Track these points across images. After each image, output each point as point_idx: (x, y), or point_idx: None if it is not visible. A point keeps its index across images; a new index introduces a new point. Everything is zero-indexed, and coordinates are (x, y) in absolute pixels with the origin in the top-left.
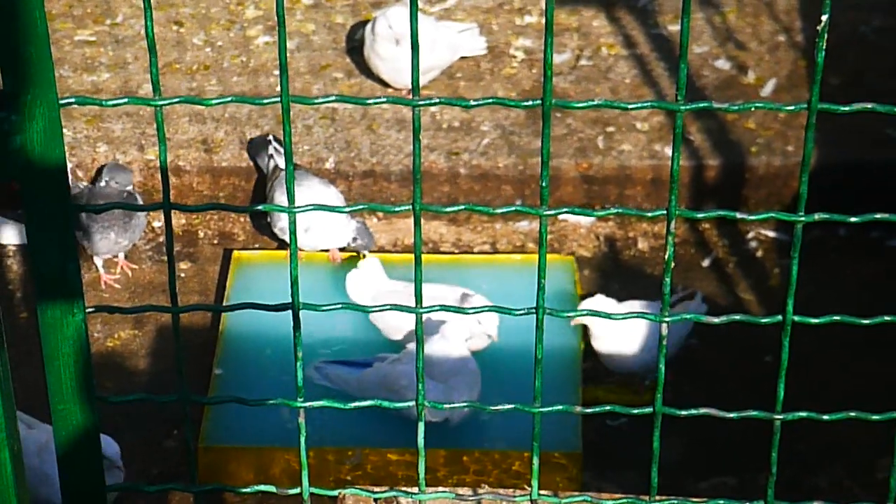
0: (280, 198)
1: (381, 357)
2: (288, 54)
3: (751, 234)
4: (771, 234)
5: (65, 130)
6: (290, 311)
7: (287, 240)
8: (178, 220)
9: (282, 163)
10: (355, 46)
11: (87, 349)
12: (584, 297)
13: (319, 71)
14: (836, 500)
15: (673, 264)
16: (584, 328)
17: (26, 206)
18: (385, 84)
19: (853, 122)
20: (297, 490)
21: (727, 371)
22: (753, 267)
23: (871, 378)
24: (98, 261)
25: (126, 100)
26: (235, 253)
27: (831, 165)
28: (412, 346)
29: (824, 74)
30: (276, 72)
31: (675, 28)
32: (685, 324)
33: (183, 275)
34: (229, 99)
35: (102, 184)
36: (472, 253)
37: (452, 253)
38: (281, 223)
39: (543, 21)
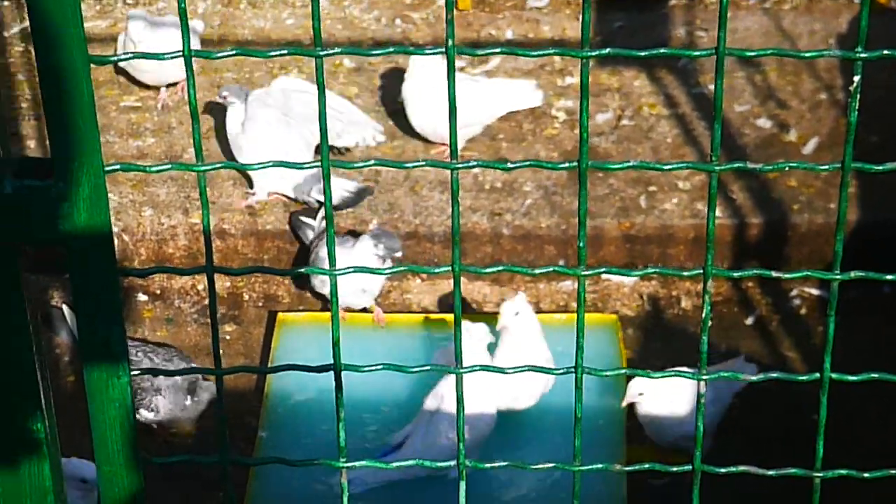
0: (325, 259)
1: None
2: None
3: (794, 292)
4: (815, 291)
5: (110, 195)
6: (332, 373)
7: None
8: (223, 283)
9: (323, 226)
10: (398, 110)
11: (132, 412)
12: (629, 361)
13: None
14: None
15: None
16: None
17: (72, 272)
18: (427, 141)
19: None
20: None
21: (771, 430)
22: (796, 325)
23: None
24: None
25: (169, 165)
26: (280, 315)
27: (874, 223)
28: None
29: (863, 133)
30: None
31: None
32: (729, 389)
33: (228, 337)
34: (269, 164)
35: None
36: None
37: (496, 313)
38: (318, 287)
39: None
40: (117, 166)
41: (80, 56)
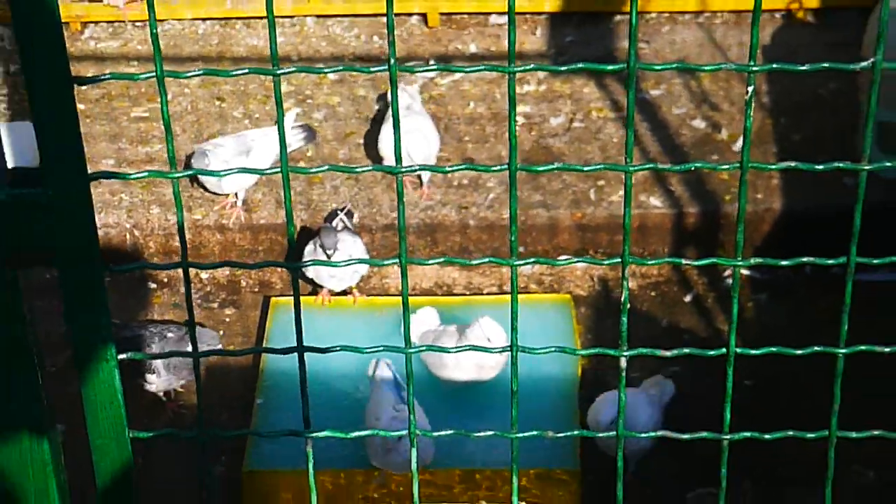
0: (313, 250)
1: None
2: (316, 124)
3: (727, 273)
4: (745, 272)
5: (123, 195)
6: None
7: (321, 285)
8: (224, 271)
9: (340, 225)
10: (376, 117)
11: (119, 391)
12: (582, 336)
13: (344, 138)
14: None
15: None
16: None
17: (61, 270)
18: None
19: (813, 175)
20: None
21: (711, 392)
22: (729, 302)
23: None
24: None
25: (146, 173)
26: (273, 299)
27: (801, 213)
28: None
29: (787, 131)
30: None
31: (656, 92)
32: (660, 403)
33: (227, 319)
34: (235, 170)
35: (172, 335)
36: (482, 294)
37: (464, 295)
38: (309, 272)
39: (540, 89)
40: (99, 174)
41: (63, 78)
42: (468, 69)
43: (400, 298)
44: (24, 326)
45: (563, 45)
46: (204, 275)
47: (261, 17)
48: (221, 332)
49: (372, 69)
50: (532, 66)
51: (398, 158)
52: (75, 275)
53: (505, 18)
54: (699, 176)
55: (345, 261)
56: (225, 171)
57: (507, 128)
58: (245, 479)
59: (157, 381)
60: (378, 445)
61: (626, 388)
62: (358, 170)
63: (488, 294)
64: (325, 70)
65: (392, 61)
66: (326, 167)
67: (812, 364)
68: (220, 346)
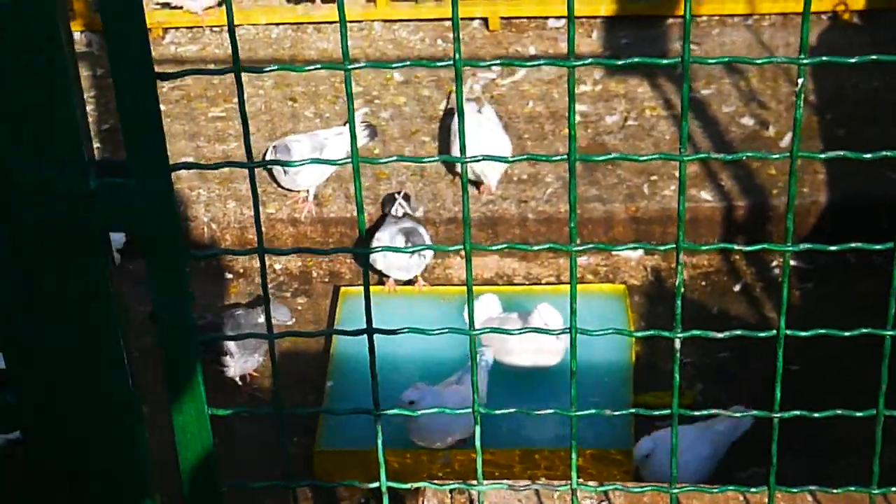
0: (384, 239)
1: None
2: (383, 123)
3: (774, 263)
4: (792, 262)
5: (201, 191)
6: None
7: (382, 271)
8: (296, 263)
9: (400, 212)
10: (439, 115)
11: (201, 372)
12: (636, 324)
13: (410, 136)
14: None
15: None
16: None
17: (148, 256)
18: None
19: (858, 170)
20: (377, 484)
21: (758, 378)
22: (777, 290)
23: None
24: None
25: (224, 164)
26: (343, 289)
27: (844, 204)
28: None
29: (832, 127)
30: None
31: (707, 91)
32: (728, 439)
33: (299, 308)
34: (308, 161)
35: (259, 319)
36: (540, 284)
37: (523, 284)
38: (377, 263)
39: (596, 89)
40: (180, 164)
41: (147, 74)
42: (529, 63)
43: (463, 287)
44: (113, 307)
45: (619, 47)
46: (277, 265)
47: (331, 22)
48: (294, 320)
49: (437, 64)
50: (590, 60)
51: (462, 149)
52: (160, 260)
53: (562, 22)
54: (748, 171)
55: (412, 247)
56: (299, 161)
57: (567, 123)
58: (316, 458)
59: (233, 362)
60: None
61: (689, 426)
62: (425, 160)
63: (546, 284)
64: (393, 65)
65: (457, 56)
66: (395, 158)
67: (858, 350)
68: (292, 321)
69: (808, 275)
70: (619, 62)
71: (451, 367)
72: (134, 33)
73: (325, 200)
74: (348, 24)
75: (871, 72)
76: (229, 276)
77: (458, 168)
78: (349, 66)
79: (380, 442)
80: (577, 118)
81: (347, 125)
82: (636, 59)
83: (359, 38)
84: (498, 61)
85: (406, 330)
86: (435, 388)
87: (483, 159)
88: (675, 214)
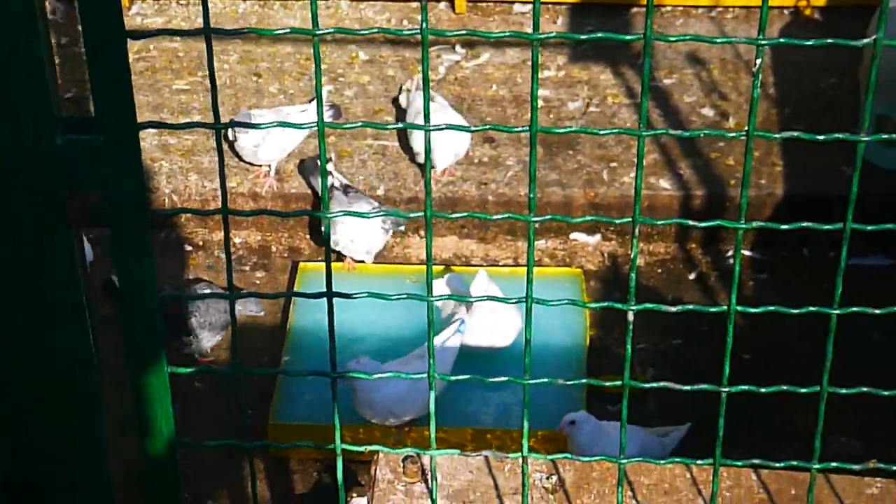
0: (348, 219)
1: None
2: (347, 101)
3: (730, 253)
4: (747, 252)
5: (163, 163)
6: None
7: (341, 251)
8: (255, 237)
9: (336, 183)
10: (397, 95)
11: (160, 326)
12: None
13: (373, 115)
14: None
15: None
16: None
17: (110, 213)
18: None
19: (814, 164)
20: (331, 446)
21: (709, 364)
22: (731, 280)
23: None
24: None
25: (193, 123)
26: (302, 264)
27: (800, 198)
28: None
29: (790, 121)
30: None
31: (668, 81)
32: (662, 450)
33: (258, 282)
34: (274, 124)
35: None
36: (497, 266)
37: (481, 265)
38: (334, 237)
39: (559, 74)
40: (148, 123)
41: (117, 32)
42: (494, 35)
43: (422, 265)
44: (76, 265)
45: (584, 33)
46: (237, 239)
47: None
48: (264, 312)
49: (403, 31)
50: (554, 34)
51: (427, 117)
52: (124, 218)
53: (528, 7)
54: (706, 161)
55: (376, 212)
56: (265, 124)
57: (530, 97)
58: (270, 432)
59: (195, 341)
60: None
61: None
62: (388, 127)
63: (504, 265)
64: (361, 31)
65: (424, 25)
66: (360, 123)
67: (807, 339)
68: (262, 313)
69: (762, 266)
70: (583, 37)
71: (412, 345)
72: None
73: (286, 176)
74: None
75: (830, 69)
76: (188, 248)
77: (415, 151)
78: (318, 32)
79: (335, 406)
80: (540, 102)
81: (312, 102)
82: (599, 35)
83: (325, 17)
84: (463, 31)
85: (365, 294)
86: (380, 365)
87: (447, 128)
88: (633, 200)
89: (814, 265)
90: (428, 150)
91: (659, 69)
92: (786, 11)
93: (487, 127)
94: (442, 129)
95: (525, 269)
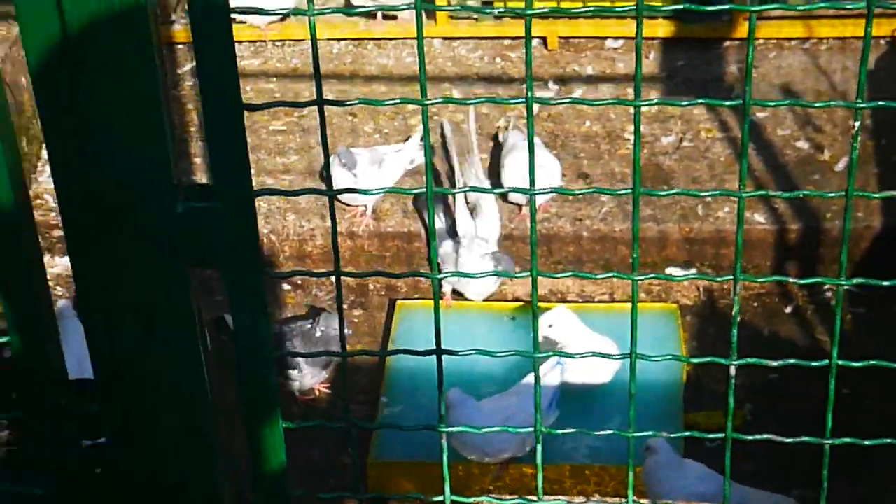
0: (468, 263)
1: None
2: (441, 139)
3: (826, 286)
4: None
5: (260, 202)
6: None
7: (454, 288)
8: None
9: (443, 225)
10: (495, 132)
11: (276, 387)
12: (687, 343)
13: (467, 152)
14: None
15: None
16: None
17: (227, 277)
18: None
19: None
20: (440, 498)
21: (807, 398)
22: (829, 314)
23: None
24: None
25: (308, 191)
26: (399, 302)
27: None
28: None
29: (888, 152)
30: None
31: (762, 114)
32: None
33: (356, 320)
34: (383, 190)
35: (318, 333)
36: (593, 302)
37: (577, 302)
38: (457, 282)
39: (653, 109)
40: (264, 191)
41: (235, 106)
42: (594, 102)
43: (518, 302)
44: (196, 332)
45: (675, 69)
46: (333, 278)
47: (391, 39)
48: (350, 332)
49: (509, 101)
50: (655, 100)
51: (532, 181)
52: (239, 279)
53: (620, 42)
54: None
55: (483, 272)
56: (374, 190)
57: (633, 152)
58: (370, 469)
59: (299, 377)
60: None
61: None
62: (495, 191)
63: (600, 301)
64: (469, 101)
65: (529, 94)
66: (468, 187)
67: None
68: (349, 331)
69: (860, 300)
70: (685, 103)
71: (507, 378)
72: (226, 67)
73: (382, 214)
74: (406, 41)
75: None
76: (286, 286)
77: (511, 196)
78: (426, 102)
79: (445, 457)
80: (632, 138)
81: (407, 141)
82: (699, 101)
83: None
84: (564, 100)
85: (473, 351)
86: (471, 398)
87: (553, 192)
88: (728, 236)
89: None
90: (533, 212)
91: None
92: (882, 41)
93: (591, 190)
94: (549, 192)
95: (622, 304)
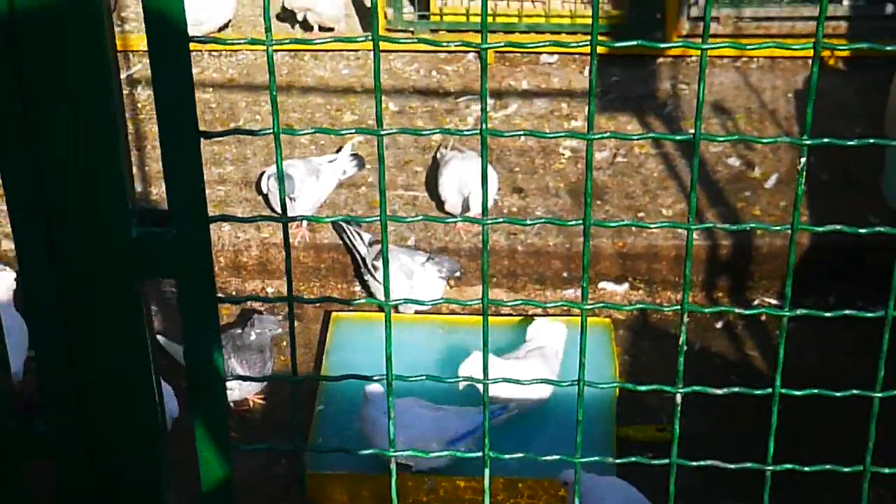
0: (409, 265)
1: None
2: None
3: (756, 301)
4: (774, 301)
5: None
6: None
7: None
8: (286, 286)
9: (367, 239)
10: (432, 145)
11: (225, 412)
12: (620, 357)
13: (403, 165)
14: None
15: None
16: None
17: (181, 300)
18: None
19: (843, 212)
20: None
21: (740, 408)
22: (758, 329)
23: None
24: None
25: (260, 218)
26: (334, 314)
27: (825, 247)
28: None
29: (816, 171)
30: (368, 165)
31: (692, 130)
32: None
33: None
34: (340, 217)
35: (252, 337)
36: (527, 315)
37: (511, 315)
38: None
39: (585, 124)
40: (218, 217)
41: (192, 133)
42: (548, 135)
43: (456, 316)
44: (147, 347)
45: (609, 84)
46: (269, 289)
47: (327, 50)
48: (284, 343)
49: (463, 133)
50: (608, 133)
51: (485, 209)
52: (192, 304)
53: (555, 58)
54: (733, 211)
55: (432, 300)
56: (325, 218)
57: (584, 186)
58: (309, 481)
59: (238, 387)
60: None
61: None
62: (448, 221)
63: (533, 315)
64: (424, 132)
65: (484, 126)
66: (421, 217)
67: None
68: (280, 330)
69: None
70: (635, 137)
71: (447, 398)
72: (183, 95)
73: (318, 227)
74: (344, 53)
75: (856, 119)
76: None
77: (447, 205)
78: (382, 132)
79: (393, 481)
80: (567, 153)
81: (340, 152)
82: (652, 135)
83: (355, 68)
84: (517, 132)
85: (424, 377)
86: (418, 406)
87: (506, 221)
88: (661, 251)
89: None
90: (486, 241)
91: (685, 119)
92: (810, 62)
93: (543, 220)
94: (500, 221)
95: (557, 317)
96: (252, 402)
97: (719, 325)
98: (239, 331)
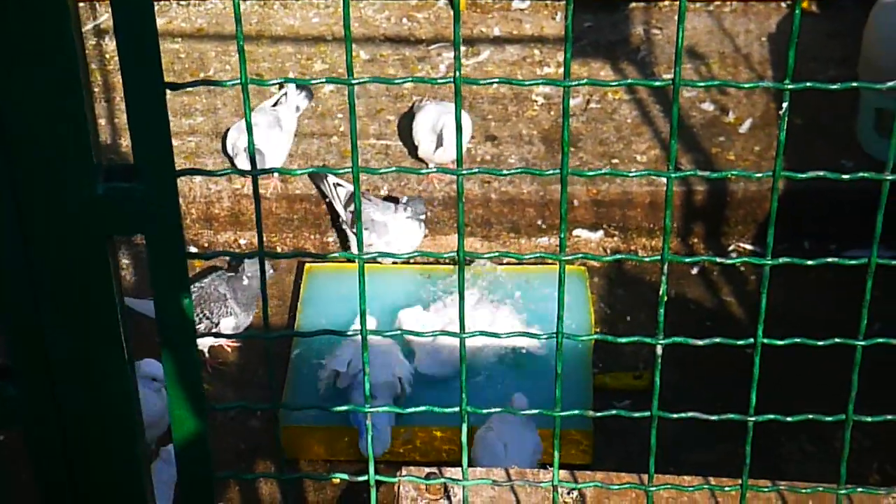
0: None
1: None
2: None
3: (732, 247)
4: (749, 246)
5: None
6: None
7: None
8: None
9: (343, 192)
10: (403, 93)
11: (198, 366)
12: (595, 305)
13: (375, 114)
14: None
15: (665, 297)
16: None
17: (151, 255)
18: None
19: (814, 157)
20: (365, 478)
21: (714, 359)
22: (734, 275)
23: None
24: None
25: (230, 171)
26: (307, 265)
27: (799, 191)
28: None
29: (790, 115)
30: (340, 115)
31: (668, 76)
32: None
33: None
34: (311, 169)
35: (245, 281)
36: (503, 264)
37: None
38: (370, 246)
39: (559, 71)
40: (186, 171)
41: (157, 85)
42: (525, 83)
43: (430, 265)
44: (118, 311)
45: (582, 30)
46: (242, 241)
47: None
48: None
49: (437, 81)
50: (585, 80)
51: (459, 162)
52: (161, 260)
53: (526, 3)
54: (707, 157)
55: (408, 254)
56: (300, 170)
57: (559, 134)
58: (284, 433)
59: (235, 320)
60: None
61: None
62: (422, 171)
63: (507, 264)
64: (395, 81)
65: (457, 74)
66: (395, 168)
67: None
68: (272, 271)
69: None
70: (614, 83)
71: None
72: (147, 45)
73: (289, 177)
74: (314, 2)
75: (829, 61)
76: (194, 249)
77: (420, 152)
78: (353, 81)
79: (370, 438)
80: (540, 100)
81: (286, 91)
82: (629, 81)
83: (325, 16)
84: (492, 80)
85: (399, 332)
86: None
87: (481, 172)
88: (635, 198)
89: (815, 258)
90: (461, 193)
91: (658, 64)
92: (783, 4)
93: (520, 170)
94: (475, 172)
95: (533, 266)
96: (228, 347)
97: (694, 271)
98: (233, 274)
